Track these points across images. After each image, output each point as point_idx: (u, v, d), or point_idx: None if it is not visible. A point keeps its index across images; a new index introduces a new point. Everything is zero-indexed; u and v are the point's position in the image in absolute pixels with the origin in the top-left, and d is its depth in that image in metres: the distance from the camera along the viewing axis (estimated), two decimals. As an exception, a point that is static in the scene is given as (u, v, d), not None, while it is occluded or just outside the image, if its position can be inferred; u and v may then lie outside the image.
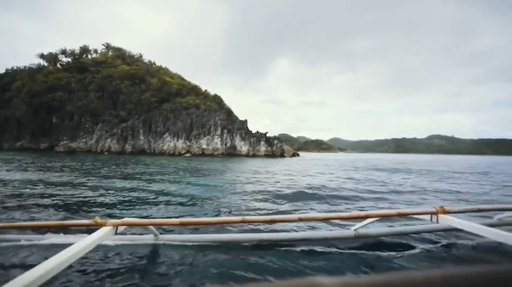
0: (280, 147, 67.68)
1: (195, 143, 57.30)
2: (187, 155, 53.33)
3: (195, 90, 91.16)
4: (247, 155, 57.26)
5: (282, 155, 63.85)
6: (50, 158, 30.27)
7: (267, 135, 70.83)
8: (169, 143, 58.25)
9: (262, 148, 65.90)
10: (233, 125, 67.95)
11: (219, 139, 57.96)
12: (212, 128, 59.44)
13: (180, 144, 57.77)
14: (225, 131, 60.02)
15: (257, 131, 73.50)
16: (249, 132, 70.91)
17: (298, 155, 72.17)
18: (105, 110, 77.48)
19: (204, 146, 56.36)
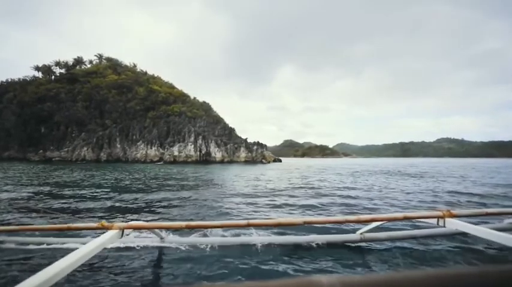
0: (260, 153, 66.92)
1: (166, 150, 57.10)
2: (160, 162, 53.11)
3: (182, 98, 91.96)
4: (222, 162, 56.69)
5: (261, 162, 63.02)
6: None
7: (248, 140, 70.28)
8: (142, 150, 58.26)
9: (242, 154, 65.33)
10: (213, 131, 67.74)
11: (193, 146, 57.59)
12: (187, 135, 59.20)
13: (153, 151, 57.70)
14: (200, 137, 59.68)
15: (240, 137, 73.10)
16: (231, 138, 70.51)
17: (280, 161, 71.05)
18: (92, 119, 78.64)
19: (176, 153, 56.06)
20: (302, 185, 13.37)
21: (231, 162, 59.08)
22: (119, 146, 61.03)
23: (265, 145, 70.11)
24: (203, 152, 58.08)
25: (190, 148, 56.97)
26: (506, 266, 0.24)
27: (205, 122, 69.42)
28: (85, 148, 60.91)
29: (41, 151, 61.13)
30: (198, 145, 58.06)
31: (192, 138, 58.21)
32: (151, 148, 58.03)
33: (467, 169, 30.17)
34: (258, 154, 66.08)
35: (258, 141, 71.85)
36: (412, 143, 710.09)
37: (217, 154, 59.07)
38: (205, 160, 57.41)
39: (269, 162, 62.89)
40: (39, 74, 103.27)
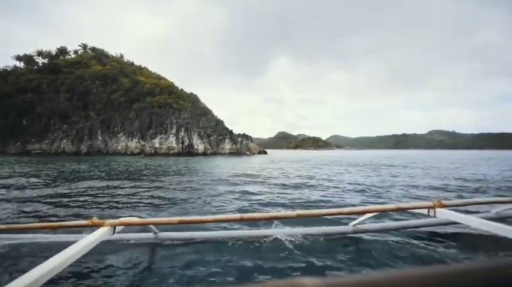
0: (245, 145, 66.58)
1: (147, 142, 56.31)
2: (141, 155, 52.33)
3: (168, 89, 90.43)
4: (205, 154, 56.17)
5: (245, 154, 62.74)
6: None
7: (241, 133, 69.77)
8: (122, 143, 57.34)
9: (227, 146, 64.93)
10: (198, 123, 66.97)
11: (175, 138, 56.84)
12: (169, 127, 58.37)
13: (133, 144, 56.84)
14: (183, 129, 58.86)
15: (227, 129, 72.56)
16: (218, 130, 69.89)
17: (265, 153, 70.88)
18: (75, 111, 76.86)
19: (157, 145, 55.32)
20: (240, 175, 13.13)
21: (214, 154, 58.64)
22: (100, 138, 59.89)
23: (251, 137, 69.76)
24: (186, 144, 57.38)
25: (172, 139, 56.24)
26: (495, 261, 0.23)
27: (190, 113, 68.48)
28: (64, 140, 59.60)
29: (19, 144, 59.58)
30: (180, 136, 57.29)
31: (174, 130, 57.43)
32: (132, 140, 57.10)
33: (441, 161, 30.32)
34: (243, 146, 65.76)
35: (244, 133, 71.48)
36: (404, 135, 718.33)
37: (199, 145, 58.47)
38: (188, 152, 56.84)
39: (253, 154, 62.67)
40: (21, 64, 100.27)
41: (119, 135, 58.90)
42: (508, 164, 24.28)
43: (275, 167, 19.73)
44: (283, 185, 10.00)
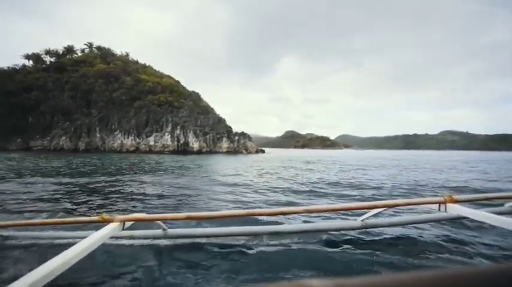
0: (243, 143, 66.51)
1: (142, 140, 56.95)
2: (136, 152, 53.00)
3: (170, 87, 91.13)
4: (199, 153, 56.39)
5: (241, 152, 62.73)
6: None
7: (244, 131, 69.79)
8: (118, 140, 58.18)
9: (224, 144, 65.01)
10: (196, 121, 67.28)
11: (170, 136, 57.28)
12: (164, 125, 58.85)
13: (129, 141, 57.58)
14: (178, 127, 59.23)
15: (228, 127, 72.69)
16: (216, 128, 70.06)
17: (263, 151, 70.62)
18: (78, 108, 78.45)
19: (152, 143, 55.86)
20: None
21: (211, 152, 58.81)
22: (98, 135, 60.98)
23: (249, 136, 69.65)
24: (181, 142, 57.76)
25: (167, 137, 56.72)
26: (501, 265, 0.22)
27: (188, 112, 68.80)
28: (63, 137, 60.89)
29: (19, 140, 61.25)
30: (175, 134, 57.70)
31: (169, 128, 57.89)
32: (127, 138, 57.89)
33: (429, 163, 29.50)
34: (240, 145, 65.71)
35: (242, 132, 71.40)
36: (415, 135, 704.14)
37: (194, 144, 58.76)
38: (184, 150, 57.21)
39: (250, 153, 62.54)
40: (30, 63, 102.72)
41: (115, 133, 59.82)
42: (495, 167, 23.38)
43: (247, 166, 19.58)
44: (219, 183, 9.96)
